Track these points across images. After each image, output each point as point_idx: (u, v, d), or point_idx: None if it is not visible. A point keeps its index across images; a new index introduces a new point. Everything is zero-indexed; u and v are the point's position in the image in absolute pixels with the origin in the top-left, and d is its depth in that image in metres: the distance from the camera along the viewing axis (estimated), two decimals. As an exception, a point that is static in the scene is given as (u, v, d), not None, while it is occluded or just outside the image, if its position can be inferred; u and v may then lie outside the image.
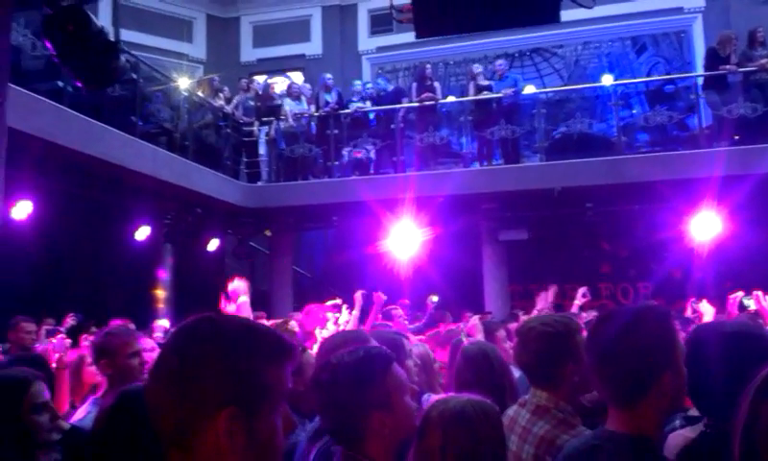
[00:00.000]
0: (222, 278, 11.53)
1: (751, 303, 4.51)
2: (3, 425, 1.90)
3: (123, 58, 3.92)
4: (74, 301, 7.10)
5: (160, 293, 9.07)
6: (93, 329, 5.35)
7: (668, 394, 1.43)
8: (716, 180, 7.63)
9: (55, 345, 3.58)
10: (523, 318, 5.24)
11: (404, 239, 8.53)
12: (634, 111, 10.76)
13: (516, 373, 2.51)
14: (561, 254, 10.20)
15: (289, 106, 10.22)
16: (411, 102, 9.95)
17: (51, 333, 4.71)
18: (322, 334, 4.41)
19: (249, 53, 13.57)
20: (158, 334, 6.23)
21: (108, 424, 1.59)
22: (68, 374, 3.35)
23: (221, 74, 11.04)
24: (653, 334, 1.45)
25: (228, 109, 10.28)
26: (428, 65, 10.45)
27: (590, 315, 5.21)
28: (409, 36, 7.96)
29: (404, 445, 1.65)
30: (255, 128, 10.32)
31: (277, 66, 13.03)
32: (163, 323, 7.12)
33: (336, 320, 4.85)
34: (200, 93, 10.07)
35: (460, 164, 10.10)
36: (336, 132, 10.05)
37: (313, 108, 10.37)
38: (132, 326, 3.86)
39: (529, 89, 10.81)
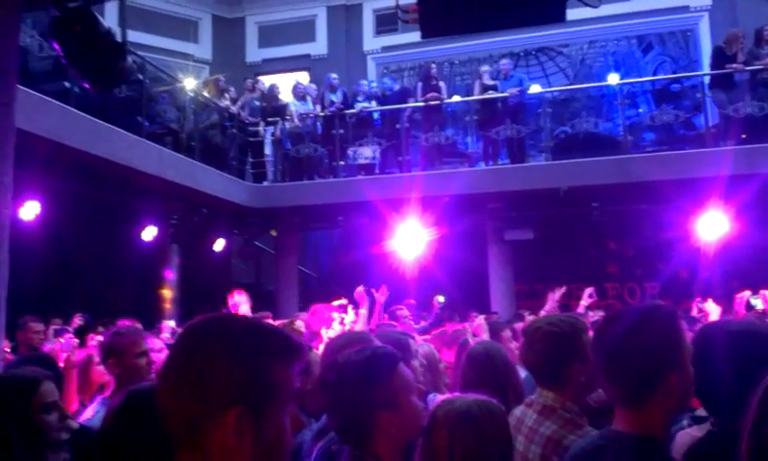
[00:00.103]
0: (228, 278, 11.62)
1: (758, 303, 4.49)
2: (12, 425, 1.91)
3: (130, 59, 3.94)
4: (81, 301, 7.14)
5: (167, 293, 9.10)
6: (100, 329, 5.38)
7: (675, 394, 1.43)
8: (723, 179, 7.59)
9: (62, 344, 3.61)
10: (529, 318, 5.24)
11: (410, 239, 8.53)
12: (640, 110, 10.72)
13: (523, 373, 2.51)
14: (567, 254, 10.17)
15: (294, 106, 10.23)
16: (416, 102, 9.95)
17: (59, 333, 4.73)
18: (327, 334, 4.41)
19: (254, 53, 13.60)
20: (166, 334, 6.26)
21: (115, 423, 1.59)
22: (76, 373, 3.37)
23: (226, 74, 11.06)
24: (660, 334, 1.45)
25: (234, 109, 10.31)
26: (433, 65, 10.44)
27: (597, 315, 5.20)
28: (414, 36, 7.95)
29: (410, 444, 1.65)
30: (261, 128, 10.34)
31: (283, 66, 13.06)
32: (170, 323, 7.15)
33: (342, 320, 4.85)
34: (205, 94, 10.10)
35: (465, 164, 10.09)
36: (341, 131, 10.06)
37: (318, 108, 10.38)
38: (140, 325, 3.87)
39: (534, 89, 10.78)
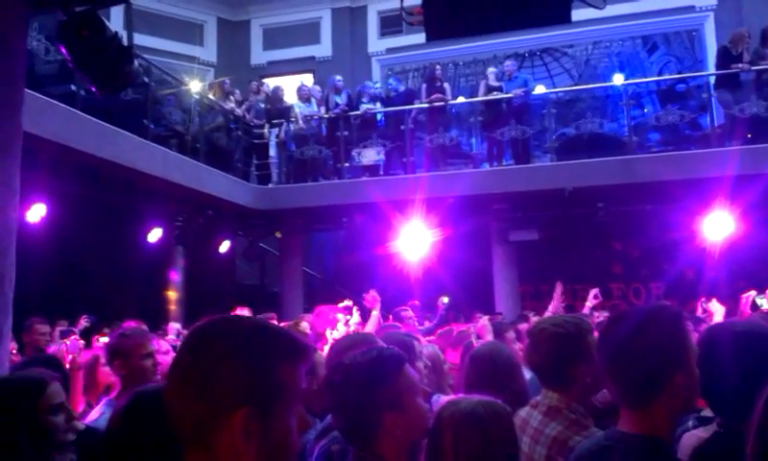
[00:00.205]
0: (233, 279, 11.64)
1: (764, 303, 4.48)
2: (20, 426, 1.92)
3: (136, 62, 3.96)
4: (87, 302, 7.16)
5: (172, 294, 9.13)
6: (106, 331, 5.41)
7: (680, 395, 1.43)
8: (728, 179, 7.57)
9: (68, 346, 3.62)
10: (534, 319, 5.24)
11: (414, 240, 8.53)
12: (645, 111, 10.70)
13: (528, 374, 2.50)
14: (572, 255, 10.15)
15: (299, 108, 10.26)
16: (421, 103, 9.95)
17: (65, 334, 4.76)
18: (332, 336, 4.42)
19: (259, 55, 13.63)
20: (171, 336, 6.29)
21: (121, 424, 1.60)
22: (82, 374, 3.38)
23: (231, 77, 11.10)
24: (665, 334, 1.45)
25: (239, 111, 10.34)
26: (438, 66, 10.45)
27: (603, 316, 5.20)
28: (419, 38, 7.96)
29: (415, 446, 1.65)
30: (266, 130, 10.36)
31: (287, 69, 13.08)
32: (176, 325, 7.18)
33: (347, 321, 4.86)
34: (211, 96, 10.13)
35: (470, 165, 10.09)
36: (346, 133, 10.07)
37: (323, 109, 10.40)
38: (145, 327, 3.89)
39: (539, 89, 10.78)
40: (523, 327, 5.02)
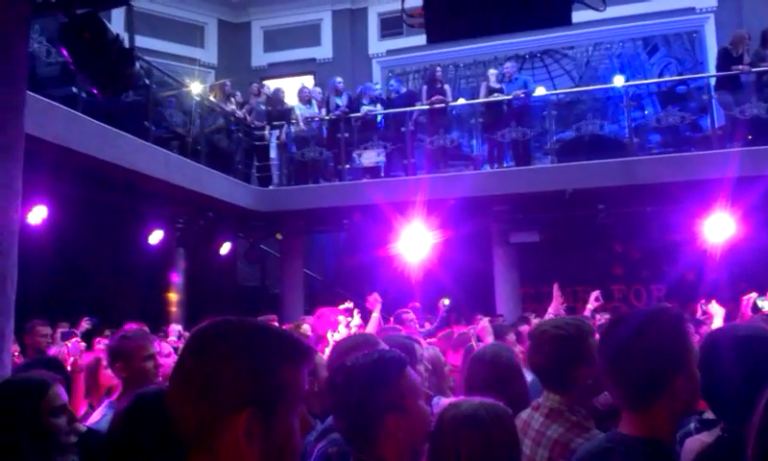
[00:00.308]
0: (234, 281, 11.65)
1: (765, 305, 4.48)
2: (22, 428, 1.92)
3: (137, 64, 3.96)
4: (88, 304, 7.17)
5: (173, 296, 9.13)
6: (107, 333, 5.41)
7: (681, 397, 1.43)
8: (729, 181, 7.57)
9: (70, 348, 3.63)
10: (534, 321, 5.24)
11: (415, 242, 8.53)
12: (645, 112, 10.71)
13: (530, 376, 2.50)
14: (573, 257, 10.15)
15: (300, 110, 10.27)
16: (422, 105, 9.96)
17: (66, 336, 4.76)
18: (333, 338, 4.42)
19: (260, 57, 13.64)
20: (173, 338, 6.29)
21: (122, 426, 1.60)
22: (83, 377, 3.38)
23: (232, 79, 11.11)
24: (666, 337, 1.45)
25: (240, 113, 10.35)
26: (438, 68, 10.46)
27: (604, 318, 5.20)
28: (419, 39, 7.97)
29: (417, 449, 1.65)
30: (266, 132, 10.38)
31: (288, 70, 13.09)
32: (177, 327, 7.18)
33: (348, 323, 4.86)
34: (212, 98, 10.14)
35: (471, 167, 10.09)
36: (347, 135, 10.08)
37: (323, 111, 10.40)
38: (147, 329, 3.90)
39: (540, 91, 10.78)
40: (524, 329, 5.02)
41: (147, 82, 7.94)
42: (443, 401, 2.34)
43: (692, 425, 1.89)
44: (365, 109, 10.06)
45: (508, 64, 10.30)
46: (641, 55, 13.43)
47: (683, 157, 8.85)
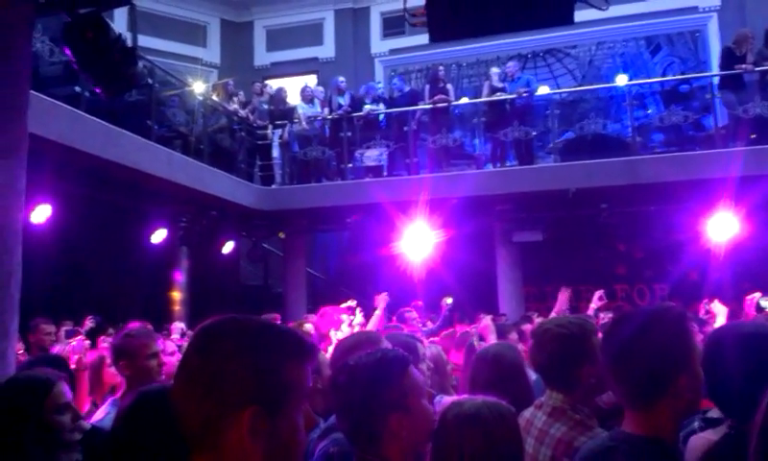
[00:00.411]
0: (237, 280, 11.66)
1: (768, 304, 4.46)
2: (26, 425, 1.93)
3: (140, 63, 3.97)
4: (92, 303, 7.19)
5: (177, 295, 9.15)
6: (110, 331, 5.42)
7: (684, 396, 1.43)
8: (733, 180, 7.55)
9: (74, 346, 3.64)
10: (537, 320, 5.23)
11: (418, 241, 8.53)
12: (648, 112, 10.67)
13: (533, 375, 2.51)
14: (576, 256, 10.14)
15: (302, 109, 10.27)
16: (424, 104, 9.96)
17: (70, 334, 4.77)
18: (336, 336, 4.43)
19: (262, 57, 13.65)
20: (176, 336, 6.30)
21: (126, 423, 1.61)
22: (87, 375, 3.39)
23: (235, 78, 11.12)
24: (669, 335, 1.45)
25: (243, 112, 10.36)
26: (441, 67, 10.46)
27: (608, 317, 5.19)
28: (422, 38, 7.97)
29: (420, 448, 1.65)
30: (269, 131, 10.38)
31: (291, 70, 13.11)
32: (180, 325, 7.19)
33: (351, 322, 4.87)
34: (214, 97, 10.15)
35: (473, 166, 10.08)
36: (349, 134, 10.08)
37: (326, 110, 10.41)
38: (150, 327, 3.90)
39: (543, 90, 10.77)
40: (527, 327, 5.02)
41: (150, 81, 7.97)
42: (445, 400, 2.34)
43: (696, 424, 1.88)
44: (367, 108, 10.06)
45: (510, 64, 10.29)
46: (644, 54, 13.40)
47: (686, 156, 8.82)
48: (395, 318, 5.62)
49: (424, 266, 8.60)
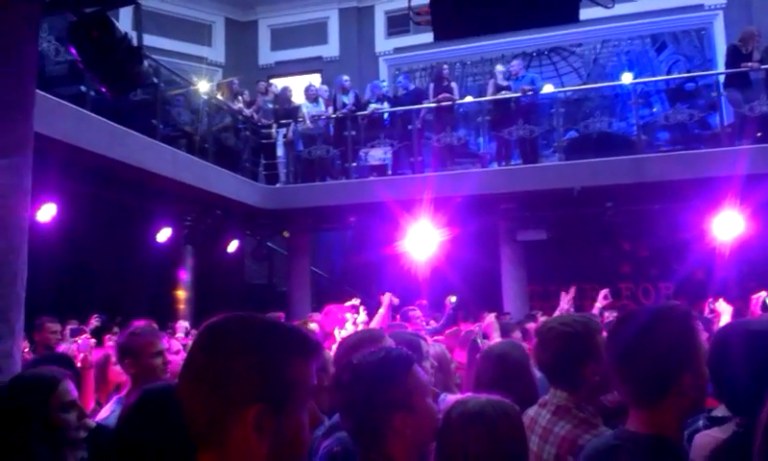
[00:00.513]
0: (241, 279, 11.68)
1: (775, 303, 4.43)
2: (32, 423, 1.93)
3: (145, 63, 3.98)
4: (97, 301, 7.22)
5: (181, 294, 9.18)
6: (116, 330, 5.44)
7: (689, 394, 1.43)
8: (738, 178, 7.52)
9: (80, 345, 3.65)
10: (542, 319, 5.22)
11: (422, 240, 8.53)
12: (654, 110, 10.64)
13: (539, 373, 2.50)
14: (580, 255, 10.12)
15: (307, 108, 10.28)
16: (428, 103, 9.95)
17: (75, 333, 4.79)
18: (341, 334, 4.43)
19: (267, 56, 13.67)
20: (180, 334, 6.32)
21: (130, 421, 1.62)
22: (93, 373, 3.41)
23: (239, 77, 11.14)
24: (673, 334, 1.45)
25: (247, 111, 10.37)
26: (445, 66, 10.45)
27: (612, 316, 5.18)
28: (426, 37, 7.94)
29: (425, 447, 1.65)
30: (273, 130, 10.40)
31: (295, 69, 13.12)
32: (185, 323, 7.21)
33: (355, 320, 4.87)
34: (219, 96, 10.17)
35: (478, 164, 10.07)
36: (353, 133, 10.09)
37: (330, 109, 10.42)
38: (156, 325, 3.91)
39: (547, 89, 10.74)
40: (531, 326, 5.02)
41: (155, 80, 7.99)
42: (449, 399, 2.34)
43: (701, 423, 1.88)
44: (372, 106, 10.06)
45: (515, 62, 10.28)
46: (650, 52, 13.36)
47: (691, 154, 8.79)
48: (398, 316, 5.62)
49: (429, 265, 8.60)
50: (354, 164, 10.08)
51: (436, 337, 4.81)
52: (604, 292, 5.01)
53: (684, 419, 1.51)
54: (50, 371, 2.13)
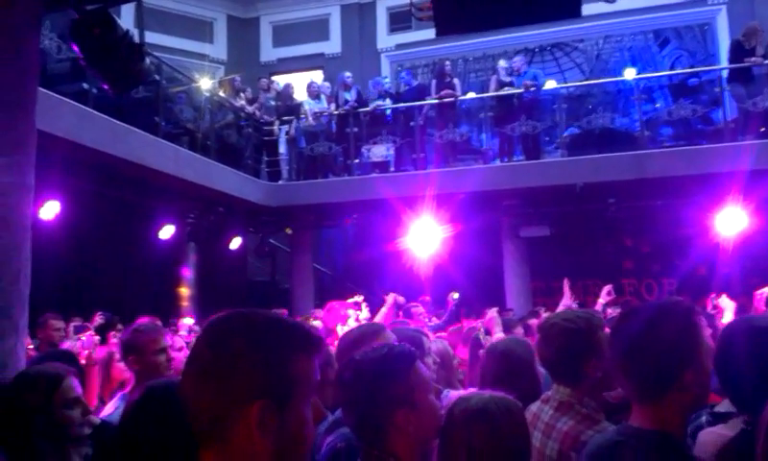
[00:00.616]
0: (244, 275, 11.70)
1: (778, 300, 4.42)
2: (36, 420, 1.94)
3: (147, 60, 3.98)
4: (100, 298, 7.23)
5: (184, 291, 9.19)
6: (119, 327, 5.45)
7: (692, 390, 1.42)
8: (741, 174, 7.50)
9: (84, 342, 3.66)
10: (544, 315, 5.22)
11: (425, 236, 8.53)
12: (657, 105, 10.61)
13: (542, 370, 2.50)
14: (583, 251, 10.11)
15: (309, 105, 10.27)
16: (431, 99, 9.94)
17: (79, 330, 4.80)
18: (343, 331, 4.44)
19: (269, 53, 13.67)
20: (183, 332, 6.33)
21: (134, 417, 1.62)
22: (97, 370, 3.42)
23: (241, 74, 11.14)
24: (676, 330, 1.45)
25: (249, 109, 10.37)
26: (447, 62, 10.43)
27: (615, 312, 5.17)
28: (428, 33, 7.95)
29: (428, 444, 1.65)
30: (276, 127, 10.40)
31: (297, 66, 13.11)
32: (188, 321, 7.22)
33: (357, 317, 4.88)
34: (221, 93, 10.17)
35: (480, 161, 10.07)
36: (356, 130, 10.08)
37: (332, 106, 10.41)
38: (159, 322, 3.92)
39: (550, 84, 10.72)
40: (533, 322, 5.01)
41: (157, 77, 7.99)
42: (452, 395, 2.34)
43: (703, 419, 1.87)
44: (374, 103, 10.05)
45: (517, 58, 10.24)
46: (652, 47, 13.31)
47: (694, 150, 8.77)
48: (401, 313, 5.62)
49: (431, 261, 8.60)
50: (357, 161, 10.07)
51: (439, 334, 4.81)
52: (607, 288, 4.99)
53: (686, 414, 1.51)
54: (54, 368, 2.14)
